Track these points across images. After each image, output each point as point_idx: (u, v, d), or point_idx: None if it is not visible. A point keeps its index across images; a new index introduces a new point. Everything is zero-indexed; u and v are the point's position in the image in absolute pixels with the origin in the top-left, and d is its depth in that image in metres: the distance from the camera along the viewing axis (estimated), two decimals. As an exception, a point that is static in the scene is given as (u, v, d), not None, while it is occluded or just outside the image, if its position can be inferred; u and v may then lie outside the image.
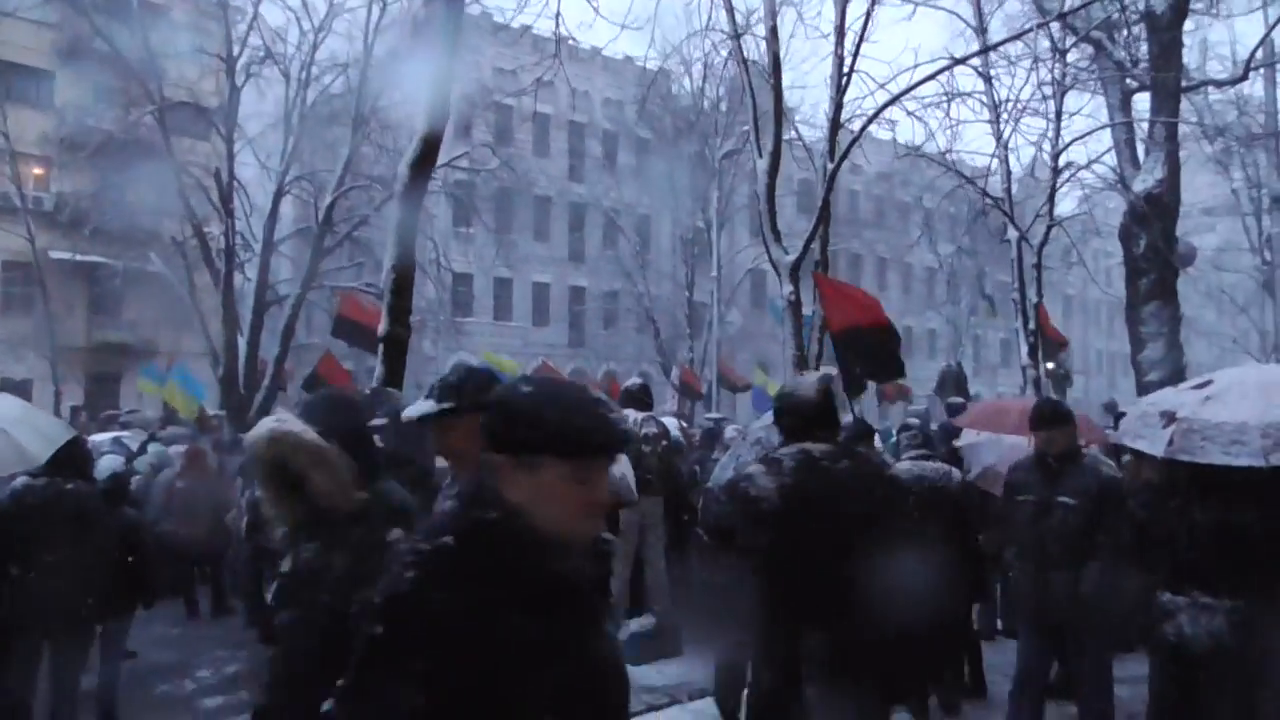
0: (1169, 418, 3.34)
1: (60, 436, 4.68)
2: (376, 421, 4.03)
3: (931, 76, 8.58)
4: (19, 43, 24.06)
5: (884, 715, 3.27)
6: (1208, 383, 3.54)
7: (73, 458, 4.82)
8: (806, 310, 9.03)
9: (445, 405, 2.61)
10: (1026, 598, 4.85)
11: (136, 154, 19.16)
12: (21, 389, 22.25)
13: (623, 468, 5.09)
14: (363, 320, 12.56)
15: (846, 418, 6.73)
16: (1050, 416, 4.83)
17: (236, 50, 18.75)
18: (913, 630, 2.97)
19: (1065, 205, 18.73)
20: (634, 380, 7.20)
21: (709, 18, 10.85)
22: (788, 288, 8.19)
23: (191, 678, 7.11)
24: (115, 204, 21.12)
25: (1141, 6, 11.68)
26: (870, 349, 7.83)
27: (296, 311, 19.11)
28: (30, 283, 22.94)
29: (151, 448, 10.07)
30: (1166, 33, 11.50)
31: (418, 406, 2.74)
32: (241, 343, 18.47)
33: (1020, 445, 6.16)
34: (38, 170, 25.40)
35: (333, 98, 20.17)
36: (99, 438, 12.35)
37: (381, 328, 4.76)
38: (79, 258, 24.08)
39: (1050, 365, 16.95)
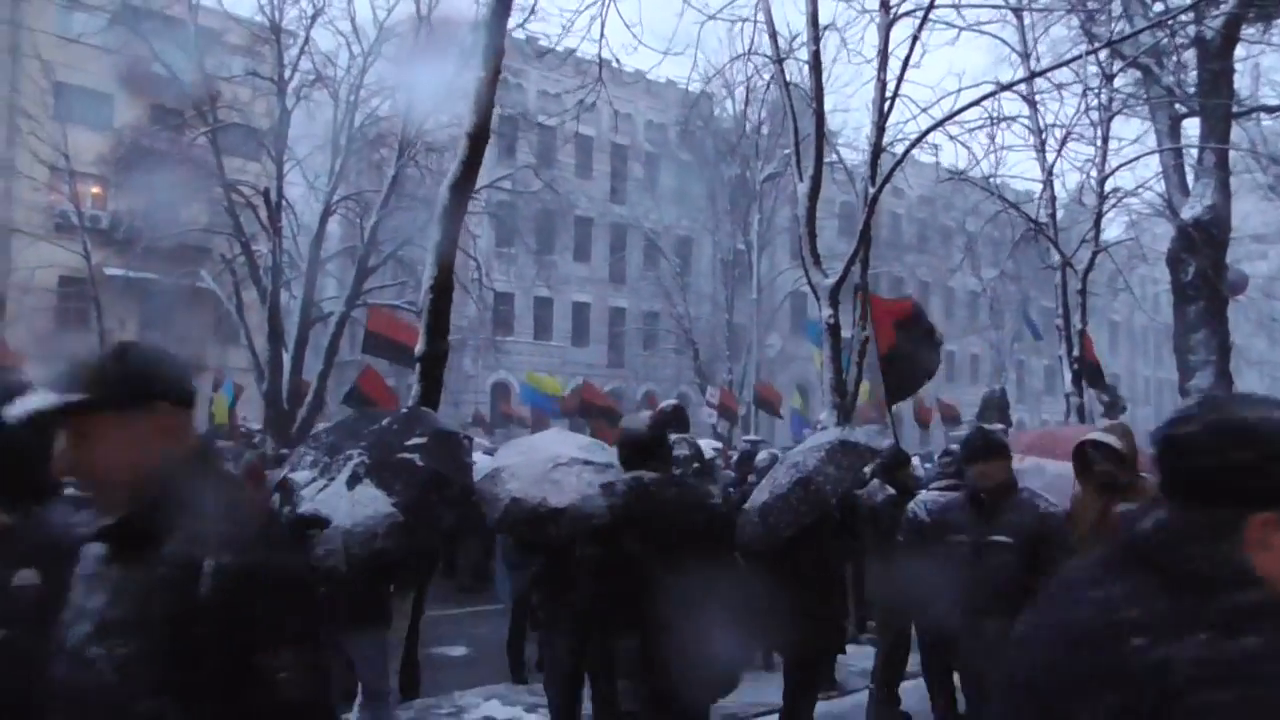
0: None
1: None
2: (414, 441, 4.09)
3: (976, 102, 8.55)
4: (81, 66, 24.88)
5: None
6: None
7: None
8: (846, 333, 8.98)
9: (75, 396, 1.63)
10: (955, 644, 4.59)
11: (189, 173, 19.66)
12: (74, 401, 22.76)
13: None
14: (393, 335, 12.66)
15: (888, 442, 6.69)
16: (982, 449, 4.46)
17: (288, 73, 19.21)
18: (712, 640, 3.35)
19: (1112, 231, 18.49)
20: (669, 401, 7.22)
21: (752, 42, 10.98)
22: (826, 311, 8.16)
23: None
24: (168, 222, 21.67)
25: (1191, 33, 11.53)
26: (913, 347, 7.80)
27: (340, 329, 19.42)
28: (85, 298, 23.55)
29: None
30: (1217, 59, 11.34)
31: (31, 400, 1.67)
32: (286, 359, 18.80)
33: (1066, 474, 6.05)
34: (95, 189, 26.16)
35: (380, 120, 20.58)
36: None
37: (419, 346, 4.82)
38: (132, 274, 24.70)
39: (1102, 393, 16.63)
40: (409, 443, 4.05)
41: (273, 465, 11.27)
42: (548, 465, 4.61)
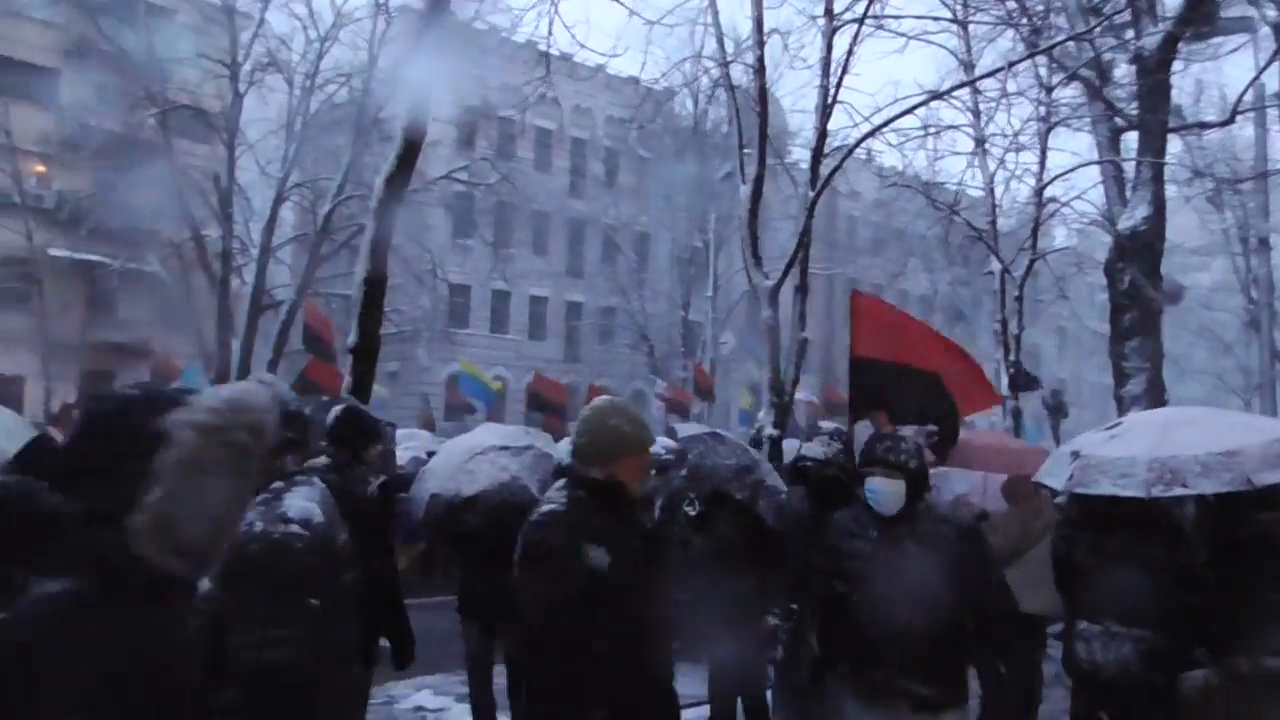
0: (1075, 455, 3.50)
1: (23, 433, 4.70)
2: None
3: (910, 110, 8.74)
4: (26, 40, 24.23)
5: None
6: (1120, 424, 3.71)
7: (44, 459, 4.81)
8: (788, 333, 9.10)
9: None
10: None
11: (138, 155, 19.32)
12: (13, 385, 22.34)
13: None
14: (320, 330, 12.57)
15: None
16: None
17: (241, 56, 18.96)
18: None
19: (1058, 237, 18.88)
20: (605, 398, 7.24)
21: (701, 44, 11.24)
22: (766, 311, 8.29)
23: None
24: (115, 204, 21.29)
25: (1131, 47, 11.80)
26: (916, 390, 6.83)
27: (291, 317, 19.23)
28: (27, 279, 23.04)
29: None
30: (1155, 74, 11.62)
31: None
32: (235, 347, 18.59)
33: (983, 478, 6.29)
34: (39, 168, 25.53)
35: (336, 106, 20.37)
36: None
37: (350, 338, 4.84)
38: (77, 256, 24.21)
39: (1046, 396, 16.93)
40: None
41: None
42: (465, 457, 4.68)
